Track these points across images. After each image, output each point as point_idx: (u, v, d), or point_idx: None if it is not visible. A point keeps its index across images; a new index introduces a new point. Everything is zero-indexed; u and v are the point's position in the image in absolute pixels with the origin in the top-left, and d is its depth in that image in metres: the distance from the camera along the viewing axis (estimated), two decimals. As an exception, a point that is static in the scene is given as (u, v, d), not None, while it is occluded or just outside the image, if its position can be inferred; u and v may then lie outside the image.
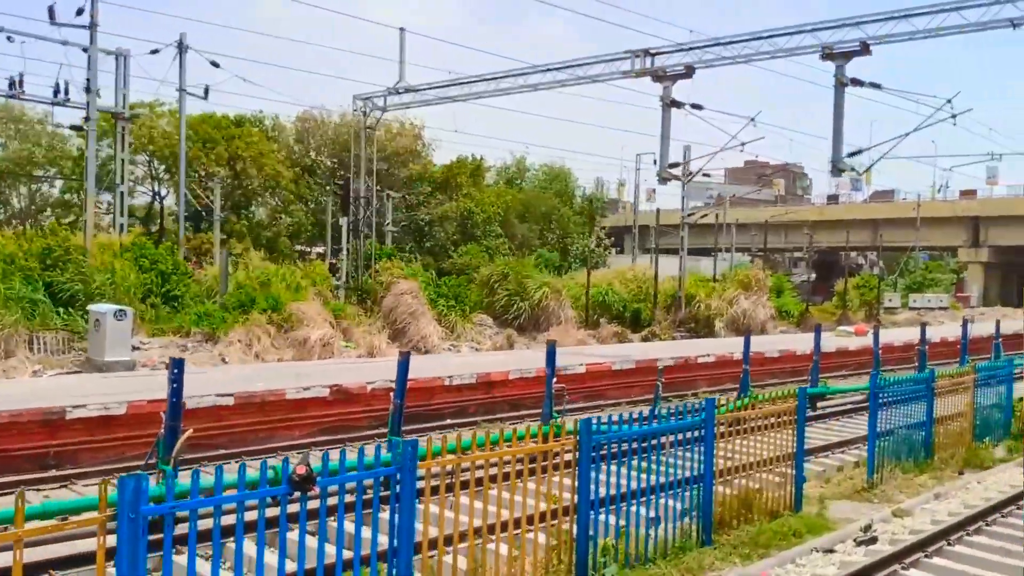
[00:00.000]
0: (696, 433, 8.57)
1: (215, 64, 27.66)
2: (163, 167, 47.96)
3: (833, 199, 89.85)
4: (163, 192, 51.07)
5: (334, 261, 31.30)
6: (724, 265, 74.44)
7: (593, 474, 7.34)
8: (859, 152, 18.18)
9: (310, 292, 25.35)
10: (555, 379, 12.88)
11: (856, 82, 18.18)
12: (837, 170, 18.42)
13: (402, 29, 26.38)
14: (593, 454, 7.35)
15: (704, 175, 33.10)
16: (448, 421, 16.07)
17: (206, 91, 27.80)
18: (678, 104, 20.61)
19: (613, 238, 78.86)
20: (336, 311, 23.56)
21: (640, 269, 37.64)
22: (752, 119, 20.09)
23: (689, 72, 20.93)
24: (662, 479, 8.10)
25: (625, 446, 7.78)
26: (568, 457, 7.37)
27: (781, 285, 48.47)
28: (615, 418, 7.94)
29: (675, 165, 20.77)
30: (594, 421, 7.56)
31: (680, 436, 8.45)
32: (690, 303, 34.96)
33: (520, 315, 28.84)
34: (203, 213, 42.24)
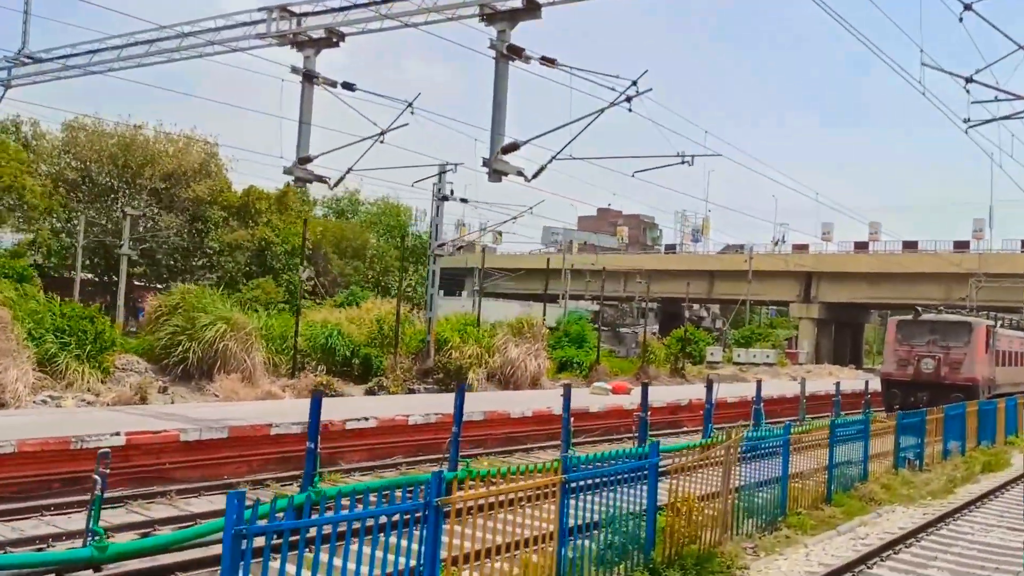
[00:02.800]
0: None
1: None
2: None
3: (671, 249, 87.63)
4: None
5: None
6: (561, 312, 70.27)
7: None
8: (515, 146, 13.12)
9: None
10: None
11: (515, 51, 13.20)
12: (495, 173, 13.33)
13: (28, -19, 20.09)
14: None
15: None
16: None
17: None
18: (312, 77, 15.19)
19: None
20: None
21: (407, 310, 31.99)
22: (410, 104, 14.88)
23: (335, 38, 15.60)
24: None
25: None
26: None
27: (583, 334, 43.94)
28: None
29: (307, 160, 15.30)
30: None
31: None
32: (442, 350, 29.55)
33: (187, 358, 22.58)
34: None
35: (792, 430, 13.50)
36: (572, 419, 23.08)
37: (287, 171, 15.49)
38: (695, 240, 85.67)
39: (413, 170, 20.63)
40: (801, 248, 74.62)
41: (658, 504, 10.14)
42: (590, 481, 9.00)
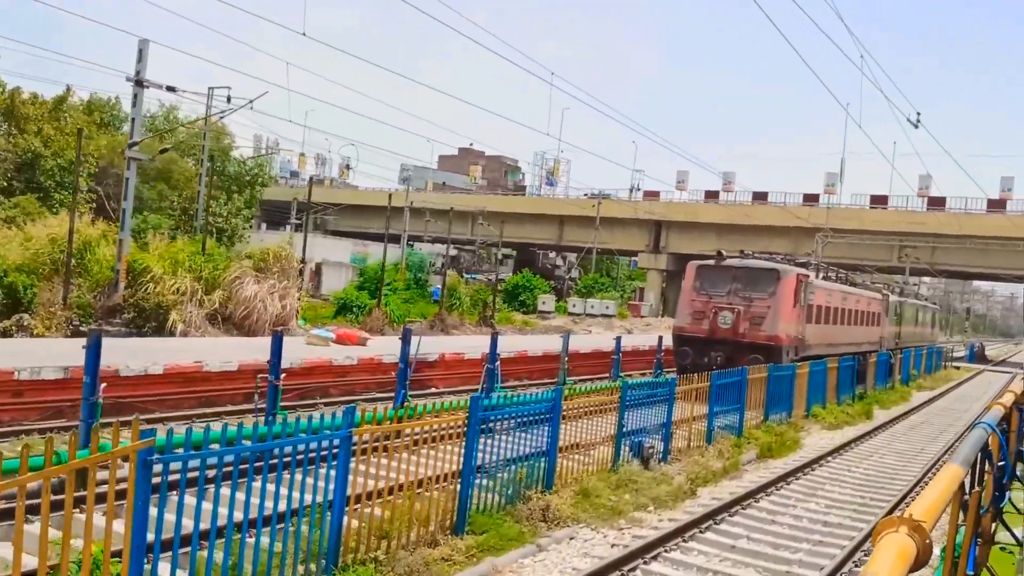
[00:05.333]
0: None
1: None
2: None
3: (521, 190, 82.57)
4: None
5: None
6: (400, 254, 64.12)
7: None
8: None
9: None
10: None
11: None
12: None
13: None
14: None
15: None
16: None
17: None
18: None
19: (258, 210, 66.22)
20: None
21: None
22: None
23: None
24: None
25: None
26: None
27: (374, 274, 38.10)
28: None
29: None
30: None
31: None
32: (138, 281, 23.07)
33: None
34: None
35: (370, 417, 8.02)
36: (265, 379, 17.38)
37: None
38: (549, 183, 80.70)
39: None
40: (652, 195, 70.73)
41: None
42: None
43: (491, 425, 9.40)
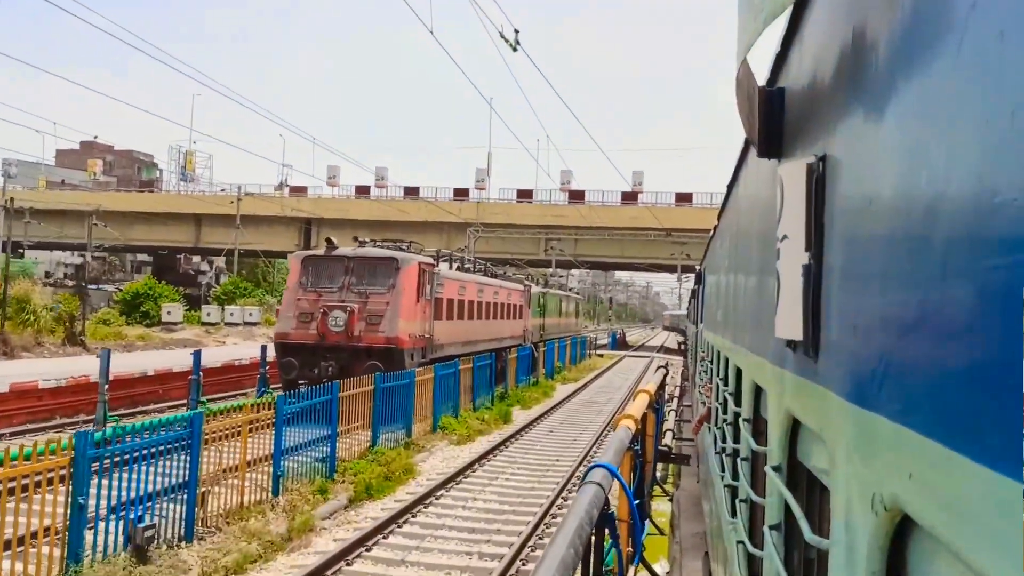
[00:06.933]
0: None
1: None
2: None
3: (147, 185, 73.30)
4: None
5: None
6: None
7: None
8: None
9: None
10: None
11: None
12: None
13: None
14: None
15: None
16: None
17: None
18: None
19: None
20: None
21: None
22: None
23: None
24: None
25: None
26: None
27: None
28: None
29: None
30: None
31: None
32: None
33: None
34: None
35: None
36: None
37: None
38: (184, 178, 72.11)
39: None
40: (299, 191, 65.76)
41: None
42: None
43: None
